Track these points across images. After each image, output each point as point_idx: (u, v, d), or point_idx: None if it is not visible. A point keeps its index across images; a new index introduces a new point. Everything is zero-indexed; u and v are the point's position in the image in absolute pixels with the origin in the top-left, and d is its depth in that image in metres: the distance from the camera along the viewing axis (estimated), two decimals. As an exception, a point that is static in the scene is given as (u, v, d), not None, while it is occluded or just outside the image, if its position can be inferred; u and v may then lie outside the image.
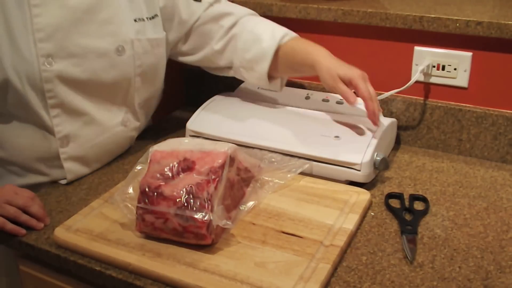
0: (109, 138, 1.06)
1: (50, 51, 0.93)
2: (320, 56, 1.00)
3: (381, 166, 0.99)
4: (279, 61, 1.06)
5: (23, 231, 0.89)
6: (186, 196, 0.80)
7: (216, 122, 1.13)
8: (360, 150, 0.98)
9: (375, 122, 1.00)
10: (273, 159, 1.00)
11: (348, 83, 0.97)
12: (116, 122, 1.06)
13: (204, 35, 1.12)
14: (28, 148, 1.00)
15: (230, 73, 1.16)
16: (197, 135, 1.13)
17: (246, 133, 1.08)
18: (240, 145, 1.02)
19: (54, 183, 1.04)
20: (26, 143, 0.99)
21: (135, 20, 1.02)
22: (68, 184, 1.03)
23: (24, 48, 0.92)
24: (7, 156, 1.01)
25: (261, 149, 1.05)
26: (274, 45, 1.05)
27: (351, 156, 0.98)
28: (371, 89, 0.97)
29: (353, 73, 0.97)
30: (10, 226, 0.88)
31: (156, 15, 1.07)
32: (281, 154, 1.03)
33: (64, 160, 1.00)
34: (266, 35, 1.07)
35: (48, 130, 0.98)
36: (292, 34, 1.08)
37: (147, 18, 1.05)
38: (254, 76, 1.10)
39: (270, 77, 1.09)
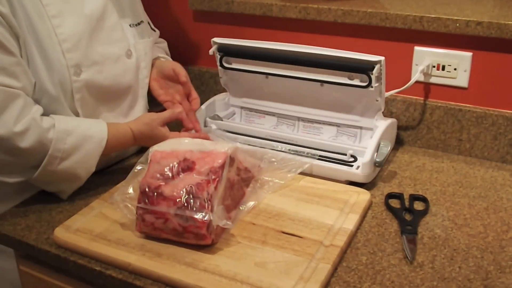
0: None
1: (78, 60, 0.94)
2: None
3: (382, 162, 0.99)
4: None
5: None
6: (186, 196, 0.80)
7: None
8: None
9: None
10: (273, 159, 1.00)
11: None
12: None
13: None
14: None
15: None
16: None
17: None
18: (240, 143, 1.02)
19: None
20: None
21: (130, 26, 1.08)
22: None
23: (54, 59, 0.92)
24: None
25: (261, 147, 1.05)
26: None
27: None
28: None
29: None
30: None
31: (142, 21, 1.12)
32: (281, 153, 1.03)
33: None
34: None
35: None
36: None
37: (136, 24, 1.10)
38: None
39: None
